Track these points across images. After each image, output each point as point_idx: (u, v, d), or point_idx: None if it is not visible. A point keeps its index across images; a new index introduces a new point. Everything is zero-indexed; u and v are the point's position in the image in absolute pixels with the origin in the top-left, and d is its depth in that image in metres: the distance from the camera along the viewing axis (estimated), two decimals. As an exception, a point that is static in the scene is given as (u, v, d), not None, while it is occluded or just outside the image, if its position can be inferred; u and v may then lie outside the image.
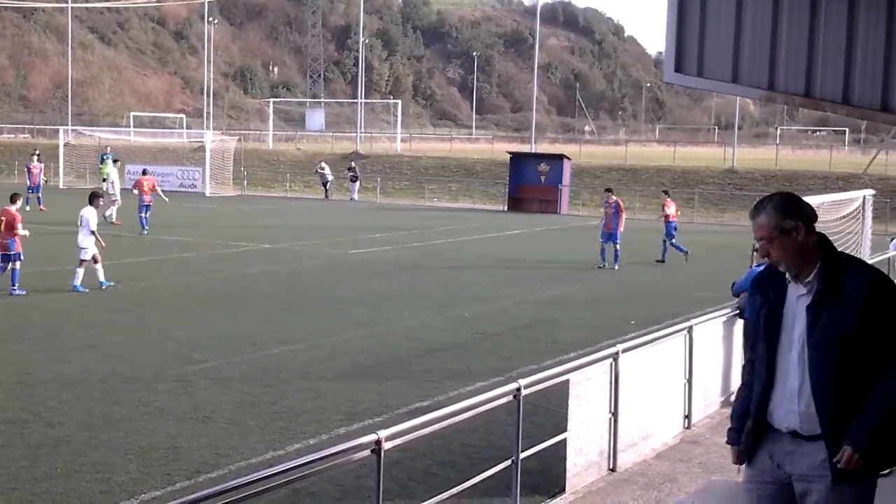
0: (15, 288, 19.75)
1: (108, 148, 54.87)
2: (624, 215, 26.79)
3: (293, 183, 57.06)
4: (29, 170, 43.12)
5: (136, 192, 32.41)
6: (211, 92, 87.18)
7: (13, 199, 20.80)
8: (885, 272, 20.85)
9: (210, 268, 24.11)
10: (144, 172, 34.64)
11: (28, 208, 39.55)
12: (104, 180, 51.91)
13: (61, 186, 53.79)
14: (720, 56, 6.58)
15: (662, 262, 27.97)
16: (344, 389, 12.96)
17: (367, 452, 6.70)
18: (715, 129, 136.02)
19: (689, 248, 27.95)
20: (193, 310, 18.64)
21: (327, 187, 53.58)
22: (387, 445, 6.76)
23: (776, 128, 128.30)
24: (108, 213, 33.44)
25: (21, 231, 20.10)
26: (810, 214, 4.82)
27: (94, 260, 20.76)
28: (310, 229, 34.84)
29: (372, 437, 6.67)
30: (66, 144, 58.40)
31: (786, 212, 4.80)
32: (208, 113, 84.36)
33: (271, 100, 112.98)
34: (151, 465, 9.76)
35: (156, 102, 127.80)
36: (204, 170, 52.74)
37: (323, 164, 55.13)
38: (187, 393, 12.51)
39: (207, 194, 50.04)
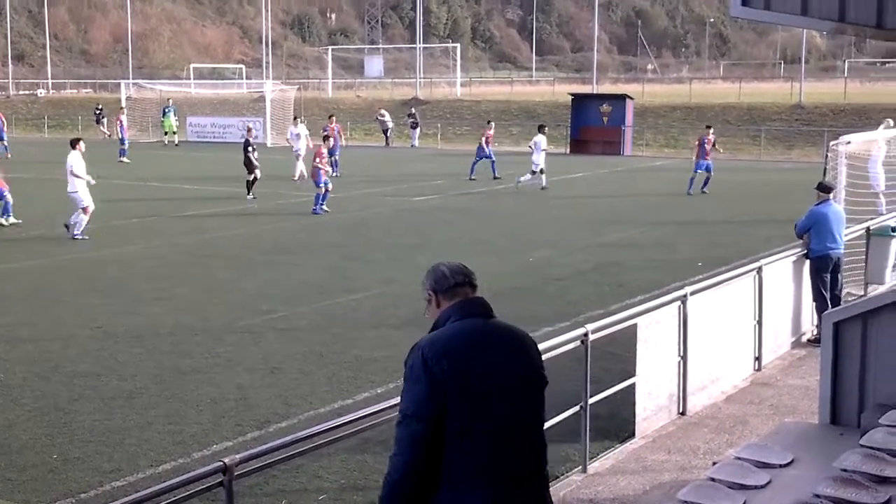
0: (316, 208, 24.77)
1: (170, 101, 55.29)
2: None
3: (353, 131, 57.00)
4: (121, 123, 43.72)
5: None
6: (269, 41, 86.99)
7: (325, 140, 26.88)
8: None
9: (274, 218, 24.24)
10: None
11: (127, 160, 40.13)
12: (165, 133, 52.60)
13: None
14: (788, -12, 6.35)
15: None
16: (411, 337, 12.92)
17: (435, 401, 6.68)
18: (781, 63, 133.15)
19: (759, 186, 27.59)
20: (259, 260, 18.76)
21: (388, 134, 53.46)
22: (455, 394, 6.72)
23: (843, 61, 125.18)
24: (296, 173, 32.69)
25: (322, 165, 24.95)
26: (438, 283, 4.76)
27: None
28: (372, 177, 34.86)
29: (440, 386, 6.64)
30: (127, 98, 58.78)
31: (423, 284, 4.84)
32: (267, 63, 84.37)
33: (329, 47, 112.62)
34: (222, 416, 9.87)
35: (214, 54, 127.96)
36: (264, 120, 52.82)
37: (383, 112, 54.94)
38: (256, 343, 12.62)
39: (269, 145, 49.95)
